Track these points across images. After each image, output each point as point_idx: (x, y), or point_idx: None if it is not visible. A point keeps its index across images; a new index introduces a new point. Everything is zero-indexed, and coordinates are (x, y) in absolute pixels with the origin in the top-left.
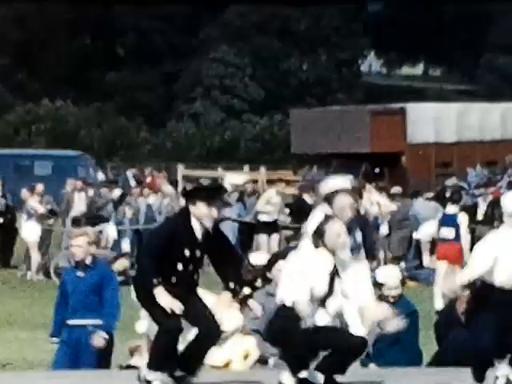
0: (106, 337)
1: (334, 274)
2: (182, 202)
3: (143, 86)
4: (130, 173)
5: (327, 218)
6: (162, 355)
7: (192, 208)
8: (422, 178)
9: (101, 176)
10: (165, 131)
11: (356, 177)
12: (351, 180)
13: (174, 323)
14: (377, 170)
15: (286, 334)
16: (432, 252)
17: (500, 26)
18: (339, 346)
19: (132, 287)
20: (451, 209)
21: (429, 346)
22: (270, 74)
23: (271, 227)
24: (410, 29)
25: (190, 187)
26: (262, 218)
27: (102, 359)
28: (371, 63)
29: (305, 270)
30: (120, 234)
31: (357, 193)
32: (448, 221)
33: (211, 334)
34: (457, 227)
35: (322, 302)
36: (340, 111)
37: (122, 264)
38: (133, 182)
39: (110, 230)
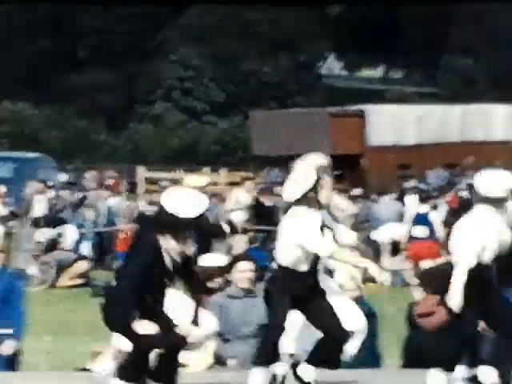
0: (16, 345)
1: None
2: (142, 204)
3: (104, 88)
4: (89, 175)
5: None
6: (134, 369)
7: (160, 238)
8: (382, 180)
9: (63, 178)
10: (125, 133)
11: None
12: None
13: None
14: (337, 173)
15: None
16: (394, 253)
17: (460, 27)
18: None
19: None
20: (423, 208)
21: (389, 347)
22: (231, 76)
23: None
24: (369, 31)
25: (163, 218)
26: (235, 217)
27: (10, 364)
28: (331, 66)
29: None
30: (80, 236)
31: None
32: (421, 219)
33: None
34: (430, 226)
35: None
36: (300, 113)
37: (81, 267)
38: (93, 184)
39: (69, 232)
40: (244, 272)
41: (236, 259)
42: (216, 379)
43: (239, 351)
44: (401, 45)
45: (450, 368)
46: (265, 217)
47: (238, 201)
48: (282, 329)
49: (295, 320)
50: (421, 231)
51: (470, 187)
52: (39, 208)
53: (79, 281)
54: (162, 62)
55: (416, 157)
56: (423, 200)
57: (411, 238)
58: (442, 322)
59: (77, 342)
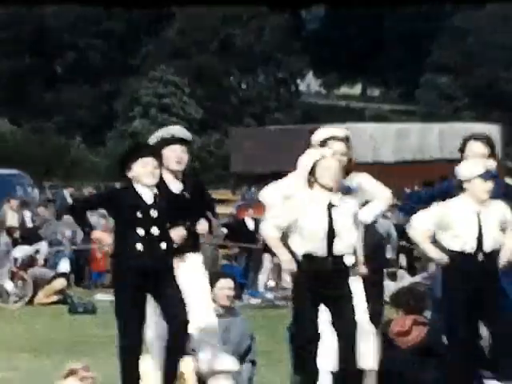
0: None
1: (331, 210)
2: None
3: (82, 105)
4: (67, 192)
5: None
6: (129, 377)
7: (130, 174)
8: None
9: (40, 195)
10: (104, 150)
11: None
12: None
13: (130, 339)
14: None
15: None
16: None
17: (439, 45)
18: None
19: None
20: None
21: None
22: (210, 93)
23: None
24: (348, 48)
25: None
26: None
27: None
28: (310, 83)
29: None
30: (58, 253)
31: None
32: None
33: (177, 325)
34: None
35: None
36: (279, 130)
37: (59, 284)
38: (70, 201)
39: (44, 249)
40: (224, 289)
41: (217, 276)
42: None
43: None
44: (379, 62)
45: None
46: (244, 234)
47: None
48: None
49: None
50: None
51: None
52: (14, 225)
53: (55, 298)
54: (140, 79)
55: (395, 175)
56: None
57: None
58: (418, 341)
59: (54, 360)
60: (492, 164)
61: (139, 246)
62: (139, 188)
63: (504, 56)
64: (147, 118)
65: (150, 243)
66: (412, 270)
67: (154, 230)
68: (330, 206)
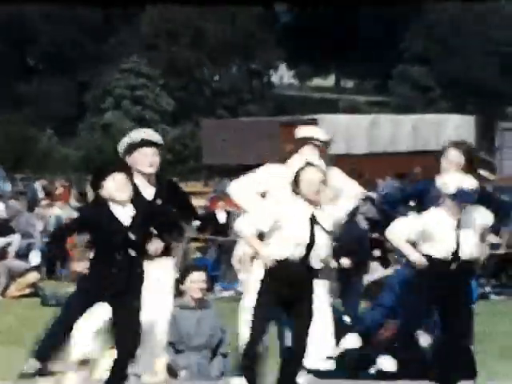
0: None
1: (313, 223)
2: None
3: (54, 96)
4: (38, 184)
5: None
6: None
7: (102, 193)
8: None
9: (11, 187)
10: (76, 141)
11: None
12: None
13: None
14: None
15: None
16: None
17: (411, 36)
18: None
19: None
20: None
21: None
22: (182, 84)
23: None
24: (320, 40)
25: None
26: None
27: None
28: (283, 75)
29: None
30: (30, 246)
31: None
32: None
33: (126, 354)
34: None
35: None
36: (251, 122)
37: (33, 276)
38: (41, 194)
39: (16, 242)
40: (196, 282)
41: (188, 269)
42: None
43: (191, 362)
44: (352, 54)
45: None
46: (215, 226)
47: None
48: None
49: None
50: None
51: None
52: None
53: (28, 290)
54: (112, 70)
55: (367, 166)
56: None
57: None
58: (390, 336)
59: (25, 352)
60: (470, 183)
61: (114, 269)
62: (114, 208)
63: (478, 45)
64: (120, 110)
65: (125, 264)
66: (385, 262)
67: (131, 252)
68: (313, 220)
